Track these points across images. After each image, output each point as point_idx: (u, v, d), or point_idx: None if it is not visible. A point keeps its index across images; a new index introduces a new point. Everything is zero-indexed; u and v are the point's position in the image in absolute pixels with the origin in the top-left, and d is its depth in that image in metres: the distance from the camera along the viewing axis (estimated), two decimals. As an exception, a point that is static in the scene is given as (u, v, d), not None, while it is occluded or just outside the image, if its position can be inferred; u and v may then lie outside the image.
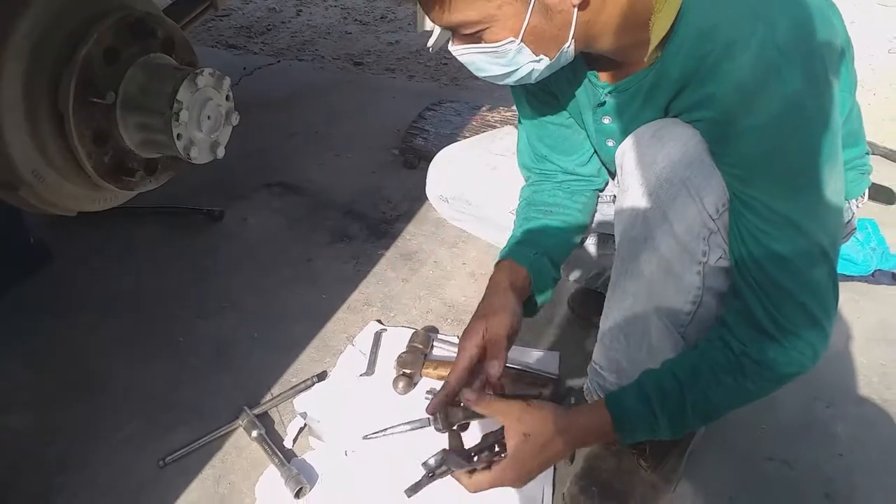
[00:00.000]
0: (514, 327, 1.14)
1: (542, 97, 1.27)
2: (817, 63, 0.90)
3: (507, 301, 1.15)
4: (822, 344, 0.99)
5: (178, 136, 1.44)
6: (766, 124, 0.91)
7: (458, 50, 1.02)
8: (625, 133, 1.12)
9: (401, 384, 1.50)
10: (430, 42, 1.09)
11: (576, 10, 0.94)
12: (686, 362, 1.06)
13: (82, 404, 1.54)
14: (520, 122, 1.38)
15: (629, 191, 1.08)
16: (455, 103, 2.66)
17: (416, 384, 1.53)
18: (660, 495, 1.30)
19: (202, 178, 2.20)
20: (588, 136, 1.27)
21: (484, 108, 2.60)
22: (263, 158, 2.47)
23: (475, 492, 1.07)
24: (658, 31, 0.95)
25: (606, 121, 1.16)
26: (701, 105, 0.97)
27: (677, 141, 1.01)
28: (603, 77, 1.12)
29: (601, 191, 1.40)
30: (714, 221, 1.01)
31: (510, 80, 1.05)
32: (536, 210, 1.32)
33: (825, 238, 0.96)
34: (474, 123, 2.51)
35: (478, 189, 1.48)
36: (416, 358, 1.54)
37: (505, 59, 0.99)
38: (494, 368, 1.10)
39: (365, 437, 1.39)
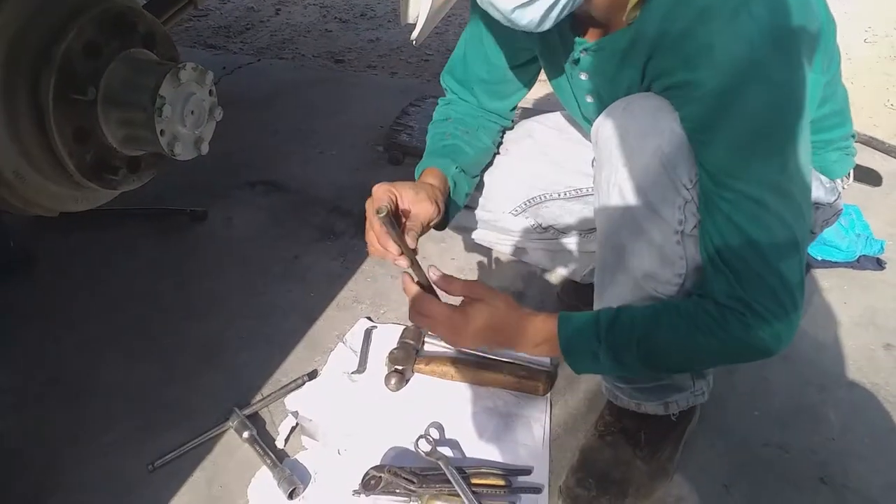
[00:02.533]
0: (435, 214, 1.19)
1: (508, 32, 1.26)
2: (788, 34, 0.91)
3: (434, 193, 1.20)
4: (786, 328, 0.99)
5: (162, 131, 1.41)
6: (729, 84, 0.91)
7: None
8: (602, 90, 1.15)
9: (393, 381, 1.49)
10: (414, 35, 1.07)
11: None
12: (648, 304, 1.08)
13: (68, 407, 1.50)
14: (465, 45, 1.37)
15: (604, 164, 1.09)
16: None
17: (408, 380, 1.52)
18: (657, 484, 1.30)
19: (185, 178, 2.18)
20: (565, 89, 1.28)
21: (468, 104, 2.59)
22: (246, 157, 2.44)
23: (411, 300, 1.13)
24: None
25: (583, 77, 1.17)
26: (674, 68, 0.98)
27: (646, 112, 1.03)
28: (583, 35, 1.13)
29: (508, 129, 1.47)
30: (688, 191, 1.02)
31: (534, 14, 0.96)
32: (455, 127, 1.37)
33: (787, 210, 0.96)
34: (458, 119, 2.49)
35: (477, 192, 1.46)
36: (407, 354, 1.53)
37: None
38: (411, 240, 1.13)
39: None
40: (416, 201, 1.16)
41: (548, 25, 0.99)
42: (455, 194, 1.29)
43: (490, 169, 1.45)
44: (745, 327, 0.97)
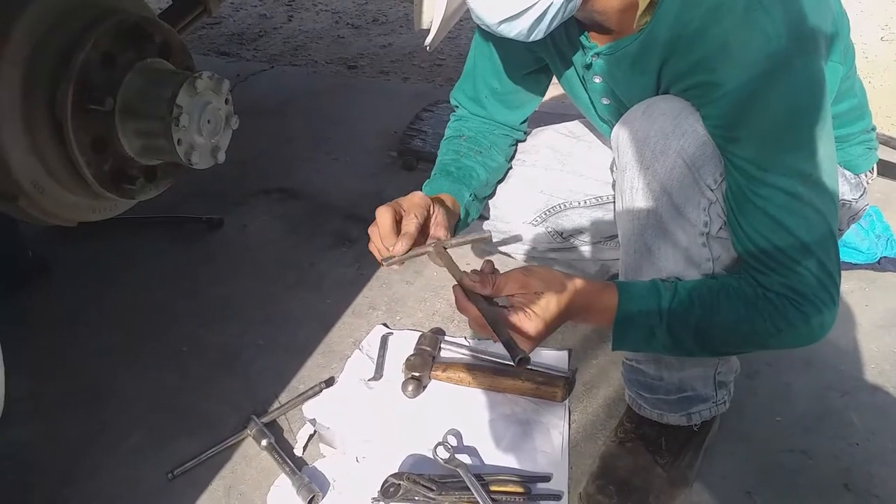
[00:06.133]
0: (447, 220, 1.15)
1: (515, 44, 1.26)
2: (803, 25, 0.91)
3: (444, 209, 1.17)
4: (830, 318, 1.00)
5: (179, 141, 1.42)
6: (750, 81, 0.91)
7: None
8: (617, 91, 1.15)
9: (410, 387, 1.48)
10: (428, 40, 1.07)
11: None
12: (706, 283, 1.05)
13: (85, 415, 1.51)
14: (474, 55, 1.36)
15: (627, 168, 1.08)
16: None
17: (425, 387, 1.51)
18: (677, 492, 1.29)
19: (200, 186, 2.19)
20: (579, 92, 1.27)
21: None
22: (260, 164, 2.45)
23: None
24: None
25: (597, 80, 1.17)
26: (691, 71, 0.98)
27: (667, 115, 1.02)
28: (594, 39, 1.12)
29: (519, 142, 1.46)
30: (713, 192, 1.02)
31: (522, 26, 0.96)
32: (469, 147, 1.36)
33: (819, 199, 0.95)
34: (472, 123, 2.49)
35: (493, 203, 1.45)
36: (424, 360, 1.52)
37: None
38: (440, 232, 1.11)
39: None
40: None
41: (539, 36, 0.99)
42: (465, 222, 1.30)
43: (506, 179, 1.44)
44: (802, 316, 0.98)
